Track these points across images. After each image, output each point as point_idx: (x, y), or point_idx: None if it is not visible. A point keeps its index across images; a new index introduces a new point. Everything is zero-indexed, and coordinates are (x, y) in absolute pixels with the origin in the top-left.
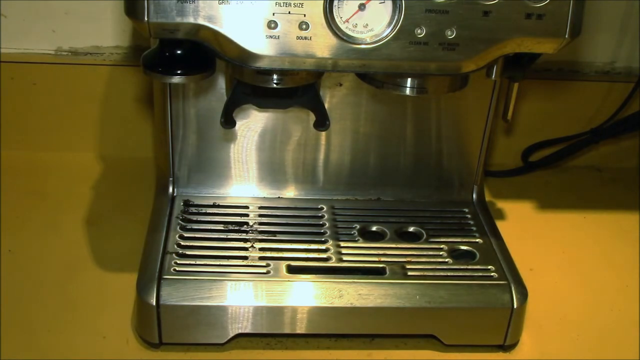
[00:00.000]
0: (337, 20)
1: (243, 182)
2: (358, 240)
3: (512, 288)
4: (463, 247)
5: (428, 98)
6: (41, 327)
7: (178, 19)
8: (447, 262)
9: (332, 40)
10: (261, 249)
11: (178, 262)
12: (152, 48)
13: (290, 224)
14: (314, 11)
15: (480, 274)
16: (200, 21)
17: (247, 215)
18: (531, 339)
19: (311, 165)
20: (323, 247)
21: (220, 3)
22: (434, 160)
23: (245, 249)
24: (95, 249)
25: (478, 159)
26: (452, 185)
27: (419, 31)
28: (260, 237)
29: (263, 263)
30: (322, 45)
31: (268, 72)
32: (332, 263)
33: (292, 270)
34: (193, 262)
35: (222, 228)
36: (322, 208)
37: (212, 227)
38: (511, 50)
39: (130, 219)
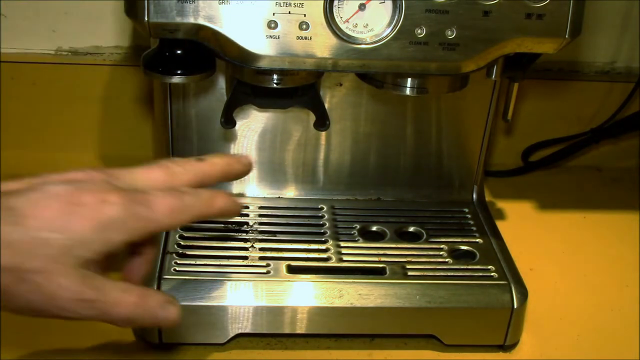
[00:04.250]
0: (337, 20)
1: (243, 182)
2: (358, 240)
3: (512, 288)
4: (463, 247)
5: (428, 98)
6: (41, 327)
7: (178, 19)
8: (447, 262)
9: (332, 40)
10: (261, 249)
11: (178, 262)
12: (152, 48)
13: (290, 224)
14: (314, 11)
15: (480, 274)
16: (200, 21)
17: (247, 215)
18: (531, 339)
19: (311, 165)
20: (323, 247)
21: (220, 3)
22: (434, 160)
23: (245, 249)
24: None
25: (478, 159)
26: (452, 185)
27: (419, 31)
28: (260, 237)
29: (263, 263)
30: (322, 45)
31: (268, 72)
32: (332, 263)
33: (292, 270)
34: (193, 262)
35: (222, 228)
36: (322, 208)
37: (212, 227)
38: (511, 50)
39: None
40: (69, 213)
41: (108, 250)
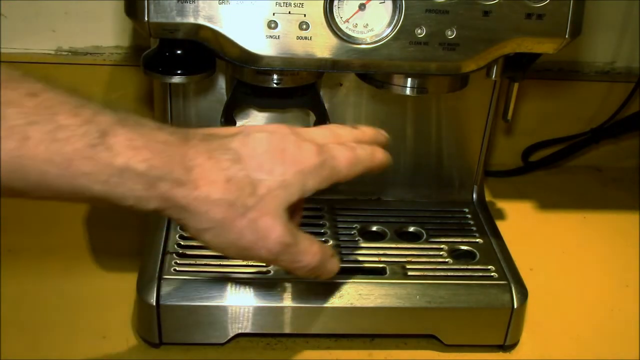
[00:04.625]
0: (337, 20)
1: None
2: (358, 240)
3: (512, 288)
4: (463, 247)
5: (428, 98)
6: (41, 327)
7: (178, 19)
8: (447, 262)
9: (332, 40)
10: None
11: (178, 262)
12: (152, 48)
13: None
14: (314, 11)
15: (480, 274)
16: (200, 21)
17: None
18: (531, 339)
19: None
20: None
21: (220, 3)
22: (434, 160)
23: None
24: (95, 249)
25: (478, 159)
26: (452, 185)
27: (419, 31)
28: None
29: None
30: (322, 45)
31: (268, 72)
32: None
33: None
34: (193, 262)
35: None
36: (322, 208)
37: None
38: (511, 50)
39: (130, 219)
40: (276, 158)
41: (302, 197)
